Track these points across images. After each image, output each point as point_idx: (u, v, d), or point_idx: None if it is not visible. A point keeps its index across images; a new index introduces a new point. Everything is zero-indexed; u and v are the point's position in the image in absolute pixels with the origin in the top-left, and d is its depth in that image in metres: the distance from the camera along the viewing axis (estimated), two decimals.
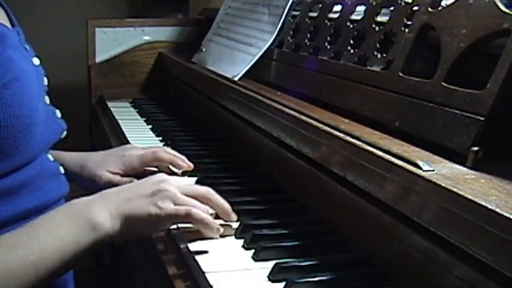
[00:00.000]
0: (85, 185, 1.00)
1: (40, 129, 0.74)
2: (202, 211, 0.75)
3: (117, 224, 0.71)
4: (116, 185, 0.93)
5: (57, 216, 0.70)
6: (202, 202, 0.77)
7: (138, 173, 1.00)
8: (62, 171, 0.86)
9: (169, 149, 1.02)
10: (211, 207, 0.78)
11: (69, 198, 0.86)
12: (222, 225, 0.76)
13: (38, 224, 0.69)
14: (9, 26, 0.79)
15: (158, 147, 1.03)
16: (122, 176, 0.99)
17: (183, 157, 1.01)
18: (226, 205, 0.78)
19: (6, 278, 0.62)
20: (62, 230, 0.68)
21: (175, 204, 0.73)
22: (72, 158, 1.00)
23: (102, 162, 1.00)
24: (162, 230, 0.77)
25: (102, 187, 0.94)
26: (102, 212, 0.71)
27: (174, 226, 0.78)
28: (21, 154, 0.71)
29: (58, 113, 0.86)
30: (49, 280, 0.67)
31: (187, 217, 0.73)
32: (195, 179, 0.97)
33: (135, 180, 0.94)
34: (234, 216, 0.78)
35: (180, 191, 0.76)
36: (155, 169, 1.01)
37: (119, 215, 0.72)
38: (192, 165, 1.00)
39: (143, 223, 0.73)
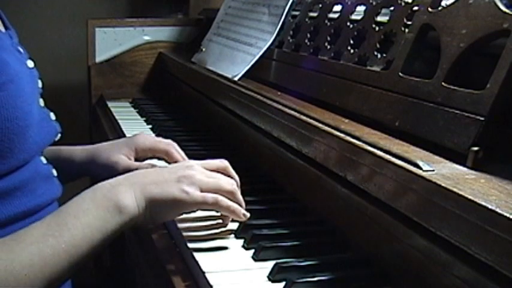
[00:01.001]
0: (101, 174, 0.98)
1: (34, 132, 0.74)
2: (231, 184, 0.77)
3: (142, 206, 0.72)
4: (135, 170, 0.93)
5: (83, 201, 0.71)
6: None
7: (148, 158, 1.00)
8: (55, 173, 0.86)
9: (180, 150, 1.02)
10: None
11: (62, 201, 0.86)
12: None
13: (65, 211, 0.69)
14: (2, 29, 0.79)
15: (172, 143, 1.03)
16: (136, 160, 0.98)
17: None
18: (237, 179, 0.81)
19: (40, 266, 0.63)
20: (89, 215, 0.68)
21: (201, 191, 0.74)
22: (83, 149, 1.00)
23: (114, 147, 0.99)
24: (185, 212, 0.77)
25: (120, 173, 0.94)
26: (127, 195, 0.71)
27: (174, 226, 0.78)
28: (16, 156, 0.71)
29: (52, 116, 0.86)
30: (80, 265, 0.68)
31: (214, 205, 0.74)
32: None
33: (158, 164, 0.93)
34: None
35: (205, 167, 0.78)
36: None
37: (144, 198, 0.72)
38: None
39: (168, 207, 0.73)
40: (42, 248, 0.64)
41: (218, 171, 0.80)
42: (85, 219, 0.68)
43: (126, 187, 0.72)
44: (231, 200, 0.76)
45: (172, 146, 1.00)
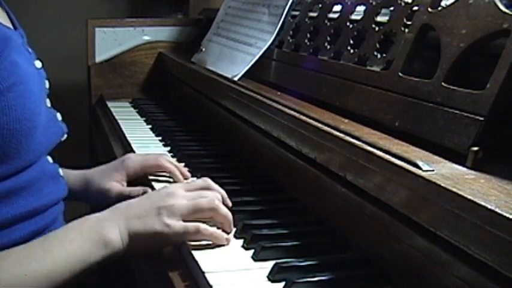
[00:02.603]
0: (94, 200, 1.00)
1: (41, 132, 0.74)
2: (211, 202, 0.76)
3: (126, 241, 0.72)
4: (127, 196, 0.93)
5: (70, 231, 0.72)
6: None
7: (141, 177, 1.00)
8: (61, 173, 0.86)
9: (170, 158, 1.02)
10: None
11: (67, 201, 0.86)
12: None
13: (51, 238, 0.70)
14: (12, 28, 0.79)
15: (160, 154, 1.03)
16: (128, 182, 0.99)
17: (183, 168, 1.01)
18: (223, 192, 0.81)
19: None
20: (74, 246, 0.70)
21: (183, 217, 0.74)
22: (75, 176, 1.00)
23: (106, 174, 1.00)
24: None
25: (113, 200, 0.95)
26: (113, 229, 0.72)
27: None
28: (23, 157, 0.71)
29: (59, 116, 0.86)
30: None
31: (197, 233, 0.73)
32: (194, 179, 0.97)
33: (149, 190, 0.94)
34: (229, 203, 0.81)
35: (186, 188, 0.78)
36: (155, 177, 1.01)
37: (127, 233, 0.72)
38: (189, 175, 1.00)
39: (151, 241, 0.74)
40: (24, 270, 0.65)
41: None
42: (70, 249, 0.69)
43: (111, 222, 0.73)
44: (220, 213, 0.76)
45: (162, 158, 1.01)
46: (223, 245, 0.74)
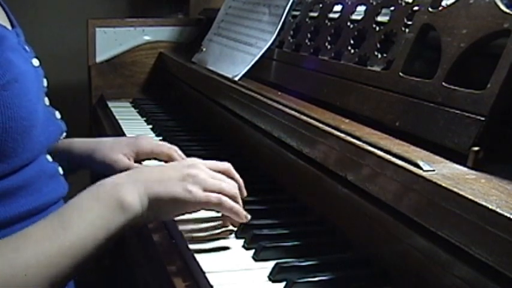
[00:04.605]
0: (98, 169, 0.98)
1: (39, 131, 0.74)
2: (233, 187, 0.77)
3: (145, 205, 0.70)
4: None
5: (86, 199, 0.70)
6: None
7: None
8: (61, 171, 0.85)
9: (182, 153, 1.01)
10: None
11: (68, 199, 0.86)
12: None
13: (68, 209, 0.68)
14: (8, 26, 0.79)
15: (173, 146, 1.03)
16: (135, 161, 0.98)
17: None
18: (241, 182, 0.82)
19: (45, 266, 0.62)
20: (93, 214, 0.67)
21: (204, 190, 0.73)
22: (83, 142, 0.99)
23: (115, 146, 0.98)
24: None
25: (118, 172, 0.94)
26: (130, 192, 0.70)
27: (174, 226, 0.78)
28: (20, 156, 0.71)
29: (57, 114, 0.86)
30: (85, 265, 0.67)
31: (218, 205, 0.73)
32: None
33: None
34: (244, 192, 0.81)
35: (209, 167, 0.77)
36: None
37: (147, 196, 0.71)
38: None
39: (171, 206, 0.72)
40: (48, 247, 0.63)
41: (221, 173, 0.79)
42: (89, 218, 0.67)
43: (129, 184, 0.71)
44: (238, 202, 0.76)
45: (174, 150, 1.00)
46: (227, 245, 0.74)
